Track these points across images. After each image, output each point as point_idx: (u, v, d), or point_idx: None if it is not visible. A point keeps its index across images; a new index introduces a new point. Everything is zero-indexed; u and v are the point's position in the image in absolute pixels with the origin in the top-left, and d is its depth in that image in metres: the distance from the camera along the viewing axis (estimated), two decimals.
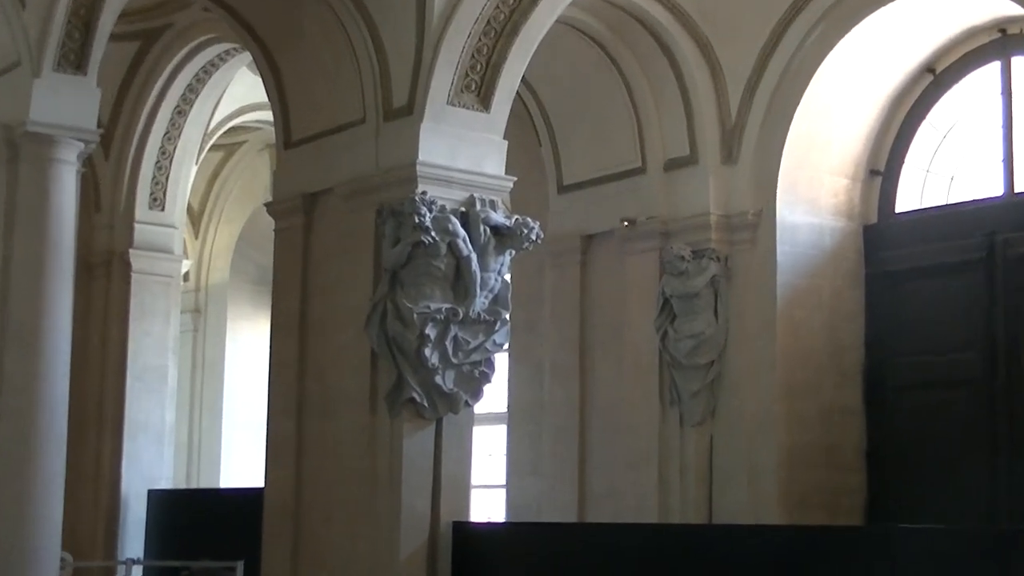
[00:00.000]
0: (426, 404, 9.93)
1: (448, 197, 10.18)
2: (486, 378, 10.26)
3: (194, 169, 15.71)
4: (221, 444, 19.15)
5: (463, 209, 10.19)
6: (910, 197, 13.13)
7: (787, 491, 12.29)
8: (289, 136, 11.82)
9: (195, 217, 19.21)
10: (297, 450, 11.03)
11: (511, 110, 10.97)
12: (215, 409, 19.30)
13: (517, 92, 11.24)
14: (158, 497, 14.59)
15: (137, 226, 14.90)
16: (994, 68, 12.57)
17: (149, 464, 14.75)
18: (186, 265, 16.67)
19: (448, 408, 10.07)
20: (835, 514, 12.45)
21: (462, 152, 10.44)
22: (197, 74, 14.70)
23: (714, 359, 12.58)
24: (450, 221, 9.97)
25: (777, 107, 12.65)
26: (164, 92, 14.64)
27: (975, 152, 12.85)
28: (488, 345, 10.18)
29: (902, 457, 12.57)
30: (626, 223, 13.30)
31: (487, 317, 10.09)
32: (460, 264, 9.95)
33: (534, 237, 10.25)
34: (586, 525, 12.76)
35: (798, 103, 12.57)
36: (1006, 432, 11.83)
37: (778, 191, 12.66)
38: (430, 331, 9.79)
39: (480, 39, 10.47)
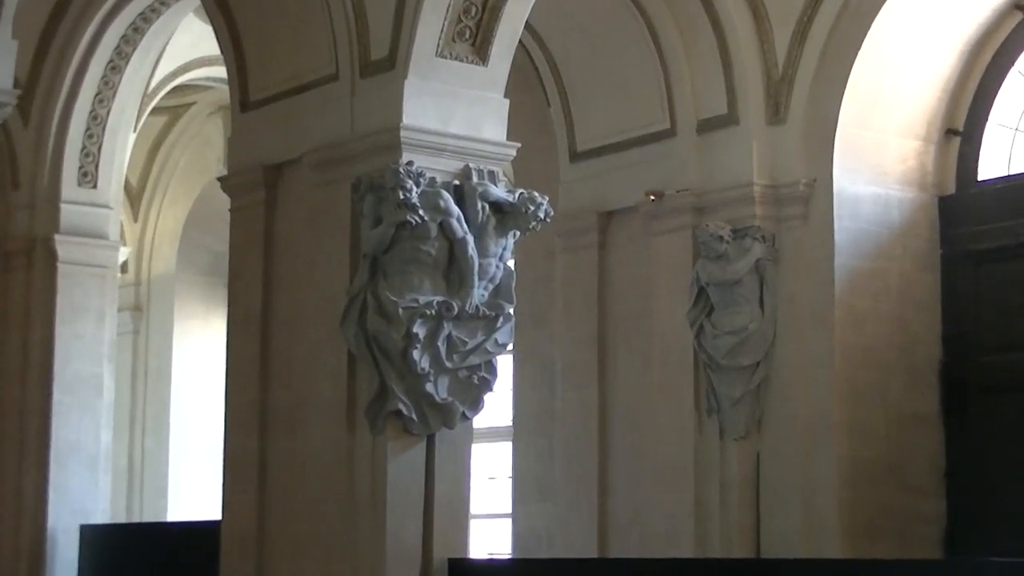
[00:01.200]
0: (415, 417, 9.91)
1: (439, 168, 10.14)
2: (486, 385, 10.24)
3: (132, 137, 15.70)
4: (168, 468, 19.20)
5: (457, 182, 10.16)
6: (995, 162, 13.14)
7: (849, 517, 12.29)
8: (246, 96, 11.77)
9: (134, 195, 19.24)
10: (260, 474, 11.00)
11: (513, 63, 10.93)
12: (161, 427, 19.34)
13: (520, 41, 11.21)
14: (92, 533, 14.60)
15: (64, 207, 14.88)
16: None
17: (81, 493, 14.75)
18: (124, 253, 16.68)
19: (441, 422, 10.05)
20: (907, 544, 12.46)
21: (455, 114, 10.40)
22: (134, 22, 14.66)
23: (759, 359, 12.58)
24: (441, 197, 9.94)
25: (833, 54, 12.63)
26: (95, 44, 14.59)
27: None
28: (488, 345, 10.15)
29: (986, 475, 12.57)
30: (652, 197, 13.29)
31: (487, 312, 10.07)
32: (454, 248, 9.92)
33: (542, 215, 10.21)
34: (607, 561, 12.76)
35: (858, 49, 12.55)
36: None
37: (835, 156, 12.66)
38: (419, 329, 9.76)
39: None
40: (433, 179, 9.98)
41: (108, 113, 14.94)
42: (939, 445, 12.87)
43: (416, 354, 9.75)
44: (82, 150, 14.93)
